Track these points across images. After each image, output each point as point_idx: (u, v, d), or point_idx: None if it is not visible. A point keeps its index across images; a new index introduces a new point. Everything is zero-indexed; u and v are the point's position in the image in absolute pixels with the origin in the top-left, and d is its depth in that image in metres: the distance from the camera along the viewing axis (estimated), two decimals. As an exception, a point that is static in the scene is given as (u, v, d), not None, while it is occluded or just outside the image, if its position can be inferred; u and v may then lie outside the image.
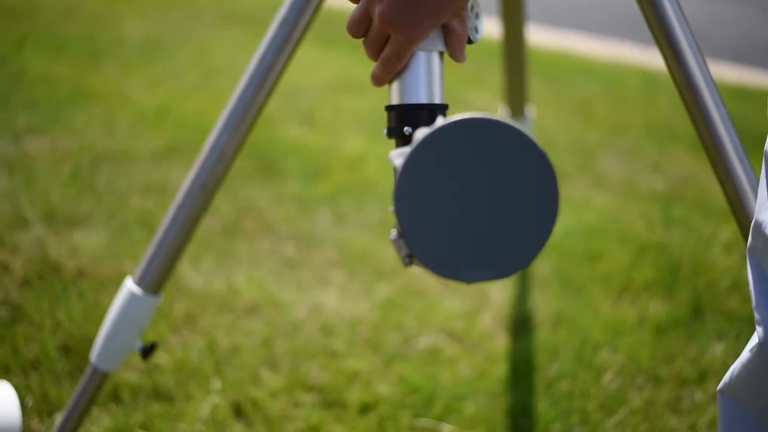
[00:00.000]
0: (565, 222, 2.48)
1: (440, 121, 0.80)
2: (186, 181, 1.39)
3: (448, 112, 1.05)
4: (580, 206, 2.58)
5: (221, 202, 2.40)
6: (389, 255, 2.25)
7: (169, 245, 1.41)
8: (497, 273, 0.80)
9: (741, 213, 1.26)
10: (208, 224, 2.30)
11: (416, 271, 2.20)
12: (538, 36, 4.24)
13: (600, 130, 3.15)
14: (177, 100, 3.09)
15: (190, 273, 2.10)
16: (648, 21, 1.28)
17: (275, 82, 1.36)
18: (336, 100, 3.21)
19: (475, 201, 0.79)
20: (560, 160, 2.86)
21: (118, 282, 1.97)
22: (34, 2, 4.23)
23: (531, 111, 2.26)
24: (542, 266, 2.27)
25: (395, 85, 1.08)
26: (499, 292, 2.14)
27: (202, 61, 3.56)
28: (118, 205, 2.37)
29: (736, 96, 3.47)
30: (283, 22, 1.34)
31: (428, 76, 1.07)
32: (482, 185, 0.79)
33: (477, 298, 2.10)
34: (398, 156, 0.88)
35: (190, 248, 2.16)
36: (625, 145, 3.01)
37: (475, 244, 0.79)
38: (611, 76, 3.68)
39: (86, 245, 2.17)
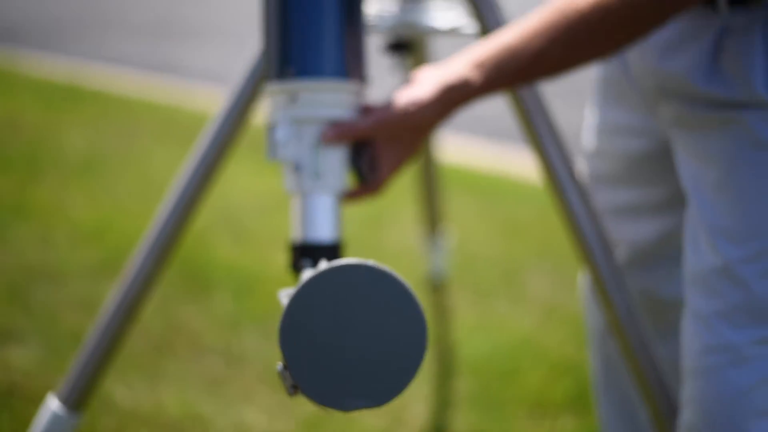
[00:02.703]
0: (487, 339, 2.57)
1: (323, 265, 0.90)
2: (112, 299, 1.47)
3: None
4: (503, 325, 2.69)
5: (151, 318, 2.47)
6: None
7: (94, 363, 1.49)
8: (372, 402, 0.91)
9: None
10: (138, 340, 2.37)
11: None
12: (471, 153, 4.39)
13: (526, 249, 3.27)
14: (116, 215, 3.18)
15: (117, 389, 2.17)
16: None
17: (201, 200, 1.45)
18: (271, 218, 3.31)
19: (352, 337, 0.89)
20: (484, 278, 2.97)
21: (47, 398, 2.03)
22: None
23: (450, 234, 2.38)
24: (461, 383, 2.36)
25: (297, 223, 1.21)
26: (418, 408, 2.23)
27: (141, 176, 3.65)
28: (53, 321, 2.43)
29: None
30: (211, 142, 1.44)
31: (327, 217, 1.20)
32: (359, 323, 0.89)
33: (396, 416, 2.19)
34: (285, 296, 0.99)
35: (118, 364, 2.23)
36: (550, 264, 3.13)
37: (353, 375, 0.90)
38: (541, 195, 3.81)
39: (19, 361, 2.22)
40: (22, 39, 6.15)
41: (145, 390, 2.19)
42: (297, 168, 1.19)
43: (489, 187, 3.93)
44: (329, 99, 1.18)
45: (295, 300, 0.89)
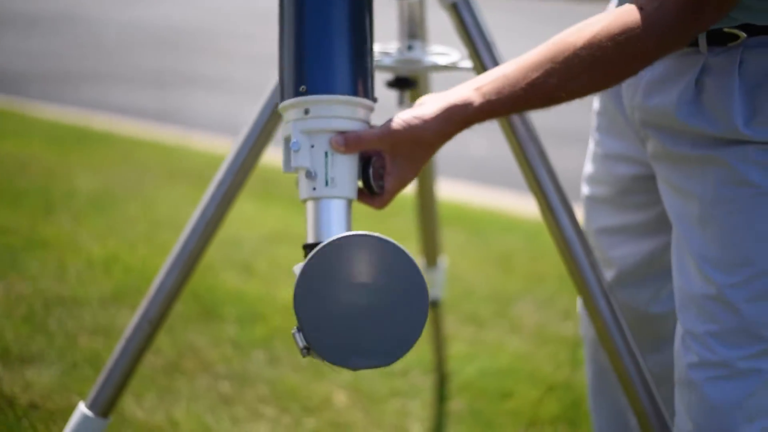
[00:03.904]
0: (480, 363, 2.70)
1: (330, 238, 1.02)
2: (135, 317, 1.61)
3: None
4: (495, 349, 2.81)
5: (163, 342, 2.60)
6: (317, 393, 2.46)
7: (118, 374, 1.62)
8: (379, 361, 1.02)
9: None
10: (151, 362, 2.50)
11: (340, 406, 2.41)
12: (468, 193, 4.53)
13: (517, 280, 3.40)
14: (125, 249, 3.31)
15: (132, 407, 2.29)
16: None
17: (214, 233, 1.60)
18: (273, 251, 3.44)
19: (360, 302, 1.01)
20: (478, 308, 3.10)
21: (67, 415, 2.13)
22: (-12, 156, 4.46)
23: (445, 261, 2.51)
24: (458, 403, 2.49)
25: (311, 228, 1.33)
26: (418, 426, 2.35)
27: (149, 214, 3.78)
28: (69, 344, 2.56)
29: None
30: (221, 183, 1.59)
31: (339, 220, 1.33)
32: (366, 289, 1.01)
33: None
34: (298, 268, 1.11)
35: (133, 384, 2.35)
36: (540, 294, 3.26)
37: (361, 337, 1.01)
38: (531, 231, 3.94)
39: (38, 381, 2.35)
40: (28, 88, 6.30)
41: (158, 407, 2.31)
42: (311, 175, 1.31)
43: (478, 222, 4.07)
44: (338, 111, 1.31)
45: (309, 266, 1.01)
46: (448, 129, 1.31)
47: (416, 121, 1.31)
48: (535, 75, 1.27)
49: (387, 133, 1.32)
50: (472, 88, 1.31)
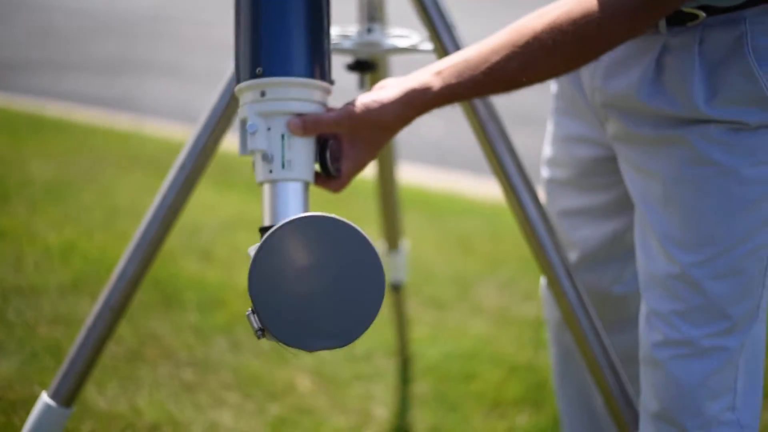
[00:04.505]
0: (443, 346, 2.71)
1: (285, 219, 1.01)
2: (96, 305, 1.59)
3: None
4: (458, 332, 2.82)
5: (125, 331, 2.58)
6: (280, 378, 2.45)
7: (80, 363, 1.60)
8: (336, 342, 1.01)
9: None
10: (113, 351, 2.48)
11: (304, 391, 2.40)
12: (425, 176, 4.53)
13: (478, 263, 3.41)
14: (82, 237, 3.27)
15: (95, 396, 2.27)
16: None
17: (175, 219, 1.58)
18: (232, 236, 3.42)
19: (316, 283, 1.00)
20: (440, 291, 3.10)
21: (29, 405, 2.11)
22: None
23: (406, 244, 2.51)
24: (421, 386, 2.49)
25: (267, 210, 1.32)
26: (382, 409, 2.35)
27: (105, 201, 3.75)
28: (28, 334, 2.53)
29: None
30: (181, 169, 1.58)
31: (295, 202, 1.32)
32: (321, 270, 1.00)
33: (361, 415, 2.31)
34: (253, 249, 1.10)
35: (95, 373, 2.33)
36: (501, 277, 3.27)
37: (317, 318, 1.00)
38: (490, 213, 3.96)
39: (-1, 371, 2.33)
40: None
41: (121, 395, 2.29)
42: (267, 158, 1.30)
43: (437, 205, 4.08)
44: (295, 93, 1.29)
45: (263, 247, 0.99)
46: (407, 113, 1.31)
47: (375, 105, 1.31)
48: (495, 59, 1.27)
49: (345, 116, 1.31)
50: (432, 73, 1.31)
